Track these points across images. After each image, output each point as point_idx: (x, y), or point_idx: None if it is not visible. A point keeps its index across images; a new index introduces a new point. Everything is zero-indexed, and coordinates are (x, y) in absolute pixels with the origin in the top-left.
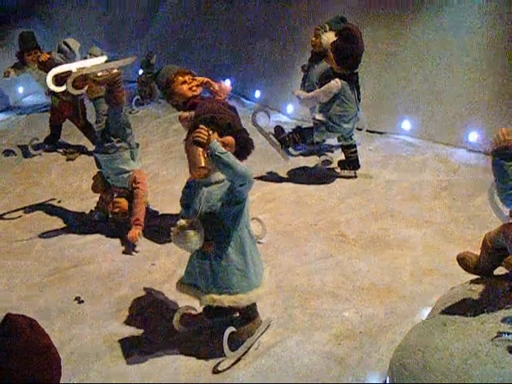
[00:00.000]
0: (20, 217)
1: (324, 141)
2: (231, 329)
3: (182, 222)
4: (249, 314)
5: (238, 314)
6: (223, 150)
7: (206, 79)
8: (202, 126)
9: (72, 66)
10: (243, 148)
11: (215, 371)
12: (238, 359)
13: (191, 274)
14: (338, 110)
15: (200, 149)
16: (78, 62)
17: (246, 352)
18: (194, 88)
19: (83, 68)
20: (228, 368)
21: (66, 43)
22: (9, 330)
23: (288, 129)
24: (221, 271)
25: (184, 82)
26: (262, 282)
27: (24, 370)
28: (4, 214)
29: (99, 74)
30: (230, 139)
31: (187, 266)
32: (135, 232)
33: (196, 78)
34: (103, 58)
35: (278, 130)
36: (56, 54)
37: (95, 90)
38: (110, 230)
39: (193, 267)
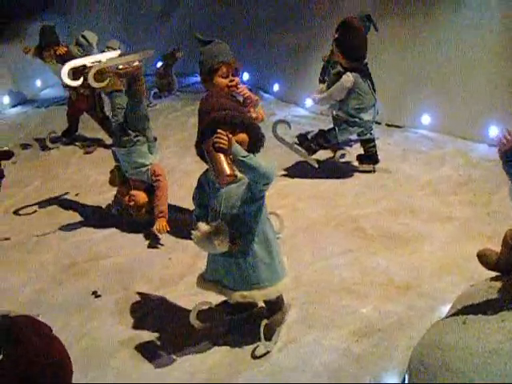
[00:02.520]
0: (35, 211)
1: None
2: (266, 321)
3: (205, 226)
4: (277, 304)
5: (261, 306)
6: (245, 152)
7: (248, 93)
8: (220, 130)
9: (88, 60)
10: (256, 143)
11: (254, 356)
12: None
13: (215, 270)
14: (355, 103)
15: (222, 155)
16: (95, 55)
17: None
18: (233, 88)
19: (100, 61)
20: (267, 353)
21: (83, 36)
22: (12, 335)
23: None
24: (248, 268)
25: (226, 77)
26: (286, 272)
27: (30, 378)
28: (21, 207)
29: (121, 67)
30: (243, 136)
31: (209, 263)
32: (161, 224)
33: (239, 80)
34: (117, 52)
35: (302, 138)
36: (74, 47)
37: (112, 83)
38: (127, 223)
39: (216, 264)
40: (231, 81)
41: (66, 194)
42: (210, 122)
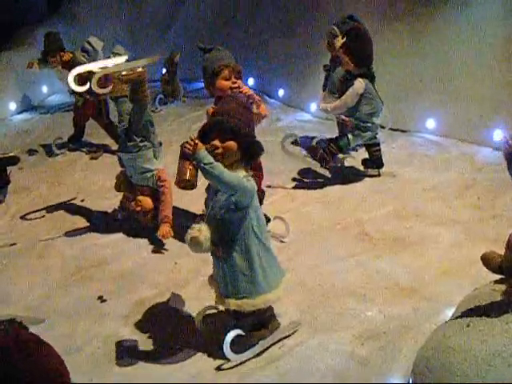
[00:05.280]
0: (43, 216)
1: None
2: (237, 331)
3: (194, 227)
4: (262, 319)
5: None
6: (210, 160)
7: (250, 92)
8: (190, 136)
9: (94, 66)
10: (247, 153)
11: (218, 369)
12: (252, 358)
13: (214, 271)
14: (367, 108)
15: (187, 160)
16: (100, 61)
17: (254, 357)
18: (235, 90)
19: (106, 67)
20: (234, 366)
21: (89, 42)
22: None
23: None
24: (229, 275)
25: (228, 79)
26: (273, 289)
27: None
28: (28, 213)
29: (124, 73)
30: (231, 144)
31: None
32: (165, 229)
33: (241, 83)
34: (124, 58)
35: (313, 149)
36: (79, 53)
37: (118, 89)
38: (133, 228)
39: (214, 265)
40: (234, 83)
41: (72, 199)
42: (202, 127)
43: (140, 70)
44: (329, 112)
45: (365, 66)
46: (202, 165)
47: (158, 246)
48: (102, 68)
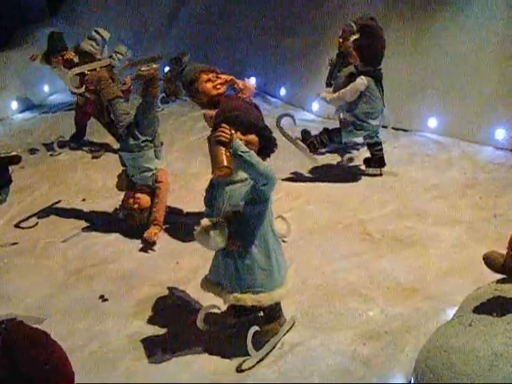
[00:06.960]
0: (45, 215)
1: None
2: (255, 328)
3: (206, 221)
4: (273, 314)
5: (262, 313)
6: (246, 148)
7: (230, 77)
8: (224, 124)
9: (94, 65)
10: (266, 147)
11: (239, 370)
12: (262, 358)
13: (216, 271)
14: (365, 107)
15: (222, 148)
16: (98, 62)
17: (270, 351)
18: (219, 86)
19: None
20: (252, 367)
21: (97, 31)
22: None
23: (313, 127)
24: (245, 270)
25: (208, 80)
26: (285, 282)
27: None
28: (29, 212)
29: (143, 69)
30: (252, 138)
31: (212, 264)
32: (152, 231)
33: (220, 76)
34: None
35: (305, 134)
36: (87, 42)
37: (110, 91)
38: (134, 227)
39: (218, 265)
40: (214, 81)
41: (74, 198)
42: (222, 120)
43: (155, 66)
44: (327, 102)
45: (371, 64)
46: (240, 152)
47: (145, 246)
48: (102, 67)
